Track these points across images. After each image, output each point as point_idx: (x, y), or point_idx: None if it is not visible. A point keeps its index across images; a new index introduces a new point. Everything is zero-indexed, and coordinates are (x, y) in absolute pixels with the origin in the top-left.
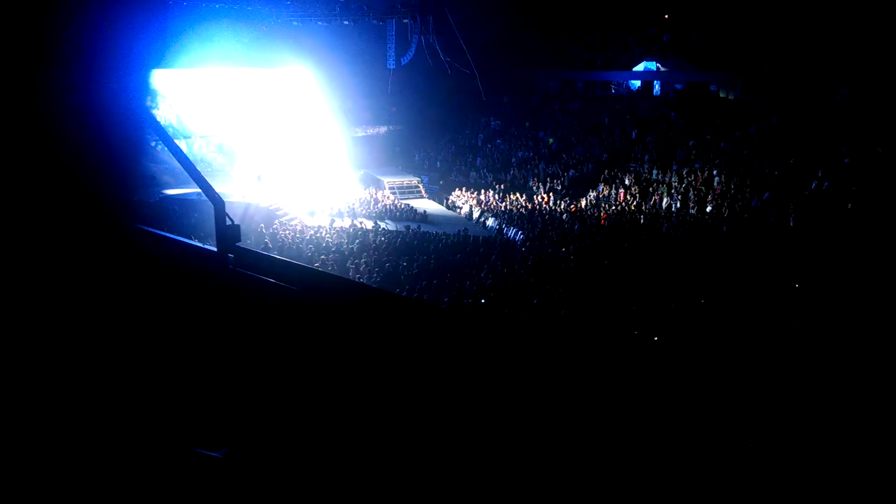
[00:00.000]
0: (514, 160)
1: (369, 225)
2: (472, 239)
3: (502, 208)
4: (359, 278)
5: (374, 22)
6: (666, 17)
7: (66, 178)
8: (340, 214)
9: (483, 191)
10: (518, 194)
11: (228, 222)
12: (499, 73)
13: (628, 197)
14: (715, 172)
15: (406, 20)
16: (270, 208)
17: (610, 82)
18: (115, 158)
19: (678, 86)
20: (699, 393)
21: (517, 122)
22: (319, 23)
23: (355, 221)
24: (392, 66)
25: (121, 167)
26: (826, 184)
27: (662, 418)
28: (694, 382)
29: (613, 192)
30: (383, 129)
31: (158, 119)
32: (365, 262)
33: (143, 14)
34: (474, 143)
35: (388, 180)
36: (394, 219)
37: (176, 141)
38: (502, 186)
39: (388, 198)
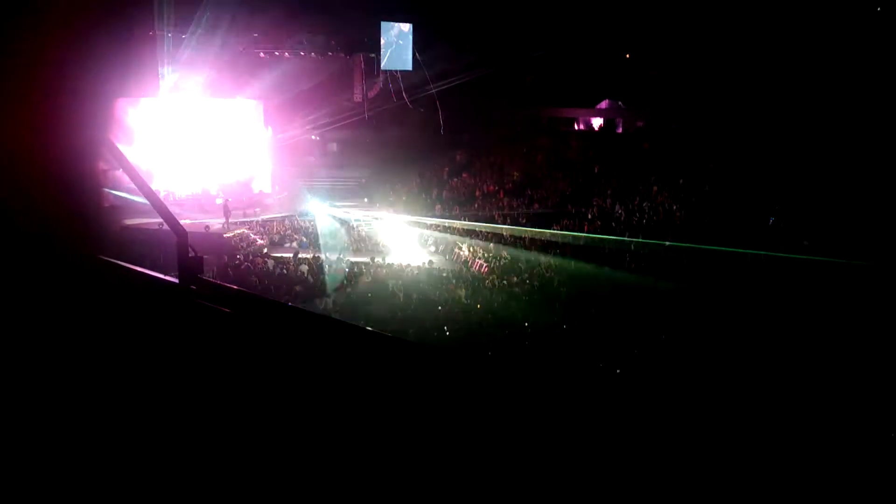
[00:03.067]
0: (478, 194)
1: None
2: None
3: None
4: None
5: (341, 55)
6: (627, 56)
7: (29, 206)
8: (305, 245)
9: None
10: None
11: (191, 254)
12: (463, 109)
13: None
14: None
15: (372, 55)
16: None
17: (573, 119)
18: (77, 187)
19: (639, 123)
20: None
21: (482, 156)
22: (286, 55)
23: (318, 254)
24: (359, 100)
25: (84, 196)
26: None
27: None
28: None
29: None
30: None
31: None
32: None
33: (110, 44)
34: (440, 177)
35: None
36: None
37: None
38: (466, 220)
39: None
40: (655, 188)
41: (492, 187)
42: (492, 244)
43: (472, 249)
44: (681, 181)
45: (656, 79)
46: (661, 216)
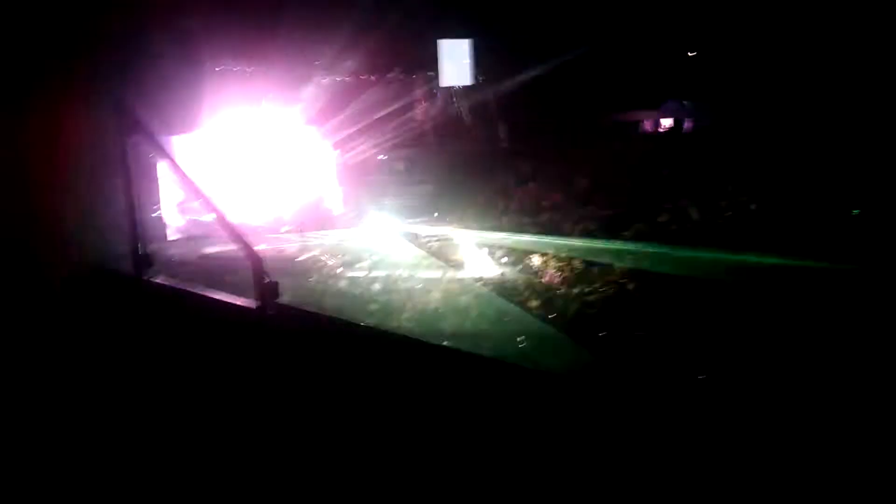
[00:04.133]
0: (546, 204)
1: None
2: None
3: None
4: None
5: (402, 76)
6: (690, 54)
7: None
8: (375, 264)
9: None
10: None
11: (266, 279)
12: (525, 119)
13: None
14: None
15: (431, 73)
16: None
17: (639, 121)
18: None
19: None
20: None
21: (547, 165)
22: (347, 78)
23: (389, 272)
24: (421, 118)
25: (152, 226)
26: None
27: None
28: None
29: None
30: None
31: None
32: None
33: (183, 83)
34: (506, 189)
35: (423, 230)
36: (430, 268)
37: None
38: (534, 230)
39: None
40: (730, 188)
41: (558, 196)
42: (562, 253)
43: (543, 260)
44: (754, 183)
45: (721, 76)
46: (740, 220)
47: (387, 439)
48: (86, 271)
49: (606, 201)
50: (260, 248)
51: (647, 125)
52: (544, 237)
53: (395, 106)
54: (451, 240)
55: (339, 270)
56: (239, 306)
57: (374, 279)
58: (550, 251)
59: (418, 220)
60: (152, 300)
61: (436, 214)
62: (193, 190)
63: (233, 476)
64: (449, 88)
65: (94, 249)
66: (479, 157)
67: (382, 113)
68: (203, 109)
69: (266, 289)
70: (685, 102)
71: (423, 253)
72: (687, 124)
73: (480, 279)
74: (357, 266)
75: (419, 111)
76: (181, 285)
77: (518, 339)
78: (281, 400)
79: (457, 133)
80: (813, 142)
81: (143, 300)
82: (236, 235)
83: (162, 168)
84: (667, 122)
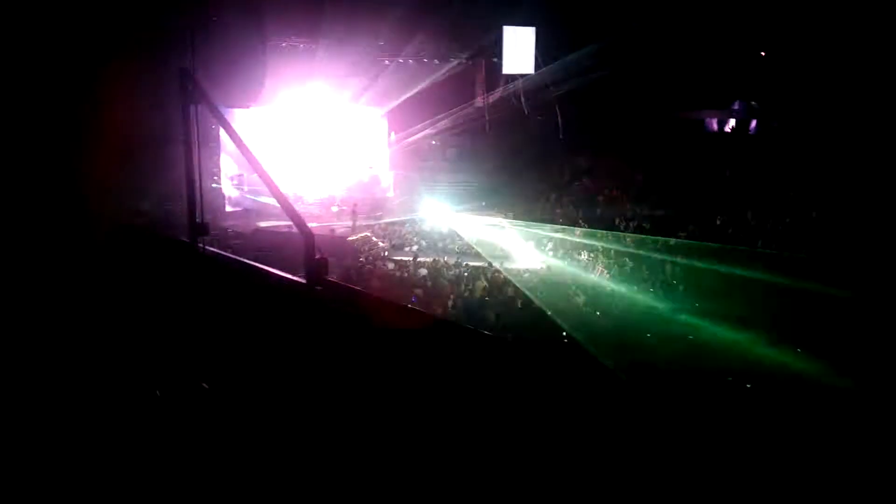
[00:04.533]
0: (600, 199)
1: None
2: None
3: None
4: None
5: (463, 61)
6: (762, 54)
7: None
8: (424, 249)
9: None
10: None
11: (318, 255)
12: (586, 112)
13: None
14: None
15: (494, 59)
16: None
17: (703, 121)
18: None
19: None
20: None
21: (605, 159)
22: (409, 61)
23: (437, 258)
24: (479, 105)
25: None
26: None
27: None
28: None
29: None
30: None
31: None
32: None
33: (247, 56)
34: (560, 182)
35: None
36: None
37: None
38: (586, 225)
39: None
40: (792, 194)
41: (615, 192)
42: (613, 249)
43: (591, 254)
44: (815, 187)
45: (792, 78)
46: (799, 225)
47: (415, 414)
48: (139, 233)
49: (663, 200)
50: (312, 226)
51: (713, 124)
52: (596, 231)
53: (455, 92)
54: (501, 229)
55: (386, 253)
56: (290, 279)
57: (421, 264)
58: (601, 246)
59: (469, 207)
60: (205, 267)
61: (484, 204)
62: (253, 163)
63: (278, 433)
64: (510, 76)
65: (151, 213)
66: (535, 147)
67: (441, 98)
68: (265, 84)
69: (316, 265)
70: (753, 103)
71: (471, 241)
72: (753, 125)
73: (527, 270)
74: (405, 249)
75: (479, 98)
76: (234, 256)
77: (559, 335)
78: (324, 371)
79: (514, 122)
80: (878, 148)
81: (195, 267)
82: (291, 212)
83: (223, 140)
84: (733, 123)
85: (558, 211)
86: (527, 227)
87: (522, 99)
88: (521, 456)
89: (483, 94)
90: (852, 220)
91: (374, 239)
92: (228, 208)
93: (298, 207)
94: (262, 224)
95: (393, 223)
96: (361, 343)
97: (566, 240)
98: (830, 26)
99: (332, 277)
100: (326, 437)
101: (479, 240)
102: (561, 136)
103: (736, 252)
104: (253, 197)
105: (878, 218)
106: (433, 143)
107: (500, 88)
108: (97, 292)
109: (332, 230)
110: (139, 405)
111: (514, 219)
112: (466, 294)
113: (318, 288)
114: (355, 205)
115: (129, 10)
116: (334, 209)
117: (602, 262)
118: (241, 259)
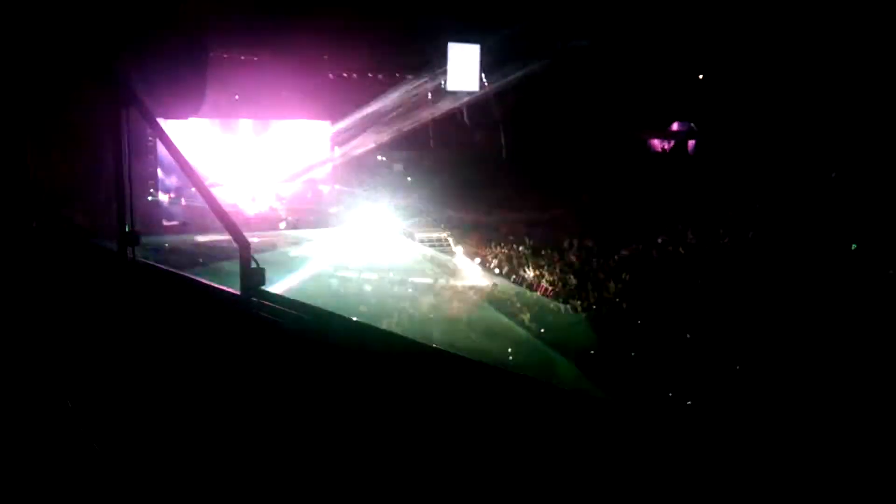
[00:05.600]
0: (548, 217)
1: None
2: None
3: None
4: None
5: (408, 77)
6: (700, 77)
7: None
8: (370, 265)
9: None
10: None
11: (254, 265)
12: (531, 130)
13: None
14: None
15: (439, 74)
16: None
17: (646, 140)
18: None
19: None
20: None
21: (551, 177)
22: (354, 76)
23: (382, 273)
24: (425, 121)
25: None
26: None
27: None
28: None
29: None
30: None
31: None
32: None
33: (186, 66)
34: (503, 198)
35: (418, 233)
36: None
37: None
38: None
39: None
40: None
41: (558, 211)
42: (557, 268)
43: (538, 272)
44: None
45: (730, 98)
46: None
47: (356, 434)
48: (65, 241)
49: (608, 218)
50: (252, 239)
51: (655, 144)
52: (541, 250)
53: (400, 106)
54: (447, 245)
55: (329, 268)
56: (223, 291)
57: (365, 281)
58: (547, 265)
59: (414, 221)
60: (135, 277)
61: (433, 218)
62: (187, 171)
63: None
64: (454, 93)
65: (76, 218)
66: (481, 163)
67: (386, 112)
68: (205, 95)
69: (251, 275)
70: (692, 125)
71: (417, 257)
72: (691, 144)
73: (472, 287)
74: (349, 266)
75: (423, 113)
76: (166, 266)
77: (505, 350)
78: (259, 387)
79: (459, 138)
80: (811, 167)
81: (125, 277)
82: (225, 220)
83: (159, 151)
84: (668, 144)
85: (504, 228)
86: (474, 242)
87: (468, 116)
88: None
89: (429, 109)
90: (786, 240)
91: (316, 253)
92: (167, 222)
93: (238, 220)
94: (202, 238)
95: (337, 237)
96: (300, 358)
97: (513, 257)
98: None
99: (270, 290)
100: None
101: (426, 256)
102: (504, 155)
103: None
104: (192, 207)
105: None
106: (378, 157)
107: (446, 104)
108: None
109: (273, 244)
110: (41, 420)
111: (460, 233)
112: (412, 310)
113: (254, 299)
114: (296, 218)
115: (54, 9)
116: (281, 225)
117: (546, 280)
118: (173, 269)
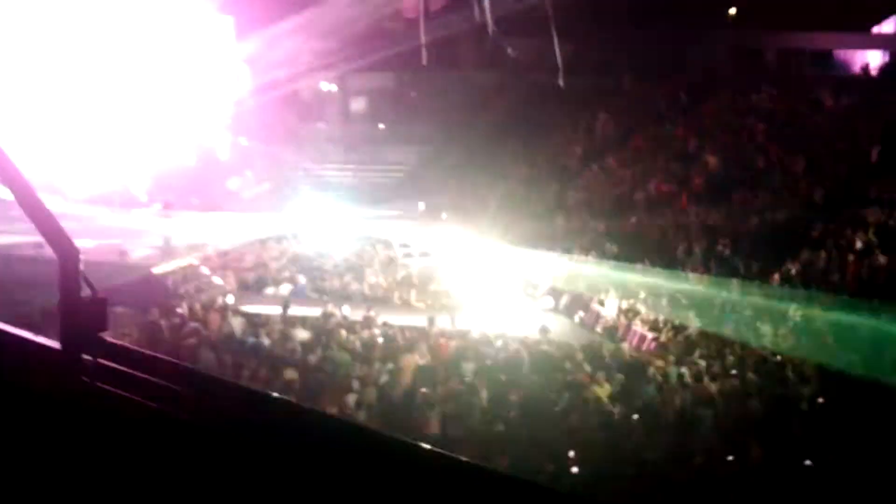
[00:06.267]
0: (640, 197)
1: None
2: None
3: None
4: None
5: None
6: None
7: None
8: (302, 291)
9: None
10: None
11: (88, 296)
12: (606, 38)
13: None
14: None
15: None
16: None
17: (827, 54)
18: None
19: None
20: None
21: (647, 126)
22: None
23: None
24: (411, 18)
25: None
26: None
27: None
28: None
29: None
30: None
31: None
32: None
33: None
34: (563, 166)
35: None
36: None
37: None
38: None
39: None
40: None
41: (664, 185)
42: (664, 295)
43: (623, 305)
44: None
45: None
46: None
47: None
48: None
49: (757, 199)
50: (88, 244)
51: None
52: (625, 263)
53: None
54: (452, 252)
55: (230, 300)
56: (33, 341)
57: (296, 321)
58: (641, 288)
59: (392, 210)
60: None
61: (420, 205)
62: None
63: None
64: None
65: None
66: (515, 101)
67: (336, 7)
68: None
69: (84, 314)
70: None
71: (396, 275)
72: None
73: (500, 337)
74: (267, 292)
75: (409, 8)
76: None
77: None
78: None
79: (476, 56)
80: None
81: None
82: (38, 217)
83: None
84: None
85: (559, 220)
86: (504, 247)
87: (489, 15)
88: None
89: (420, 2)
90: None
91: (206, 272)
92: None
93: (59, 208)
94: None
95: (245, 241)
96: (165, 462)
97: (575, 275)
98: None
99: (118, 339)
100: None
101: (411, 272)
102: (561, 84)
103: None
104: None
105: None
106: (326, 89)
107: None
108: None
109: (123, 252)
110: None
111: (477, 231)
112: (384, 381)
113: (87, 357)
114: (168, 202)
115: None
116: (139, 211)
117: (644, 320)
118: None
